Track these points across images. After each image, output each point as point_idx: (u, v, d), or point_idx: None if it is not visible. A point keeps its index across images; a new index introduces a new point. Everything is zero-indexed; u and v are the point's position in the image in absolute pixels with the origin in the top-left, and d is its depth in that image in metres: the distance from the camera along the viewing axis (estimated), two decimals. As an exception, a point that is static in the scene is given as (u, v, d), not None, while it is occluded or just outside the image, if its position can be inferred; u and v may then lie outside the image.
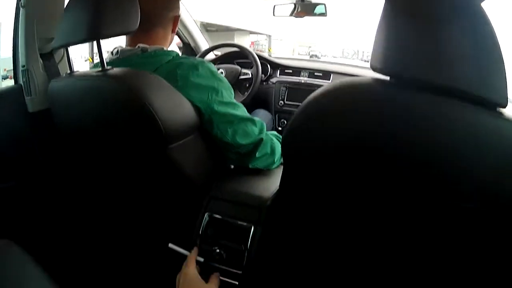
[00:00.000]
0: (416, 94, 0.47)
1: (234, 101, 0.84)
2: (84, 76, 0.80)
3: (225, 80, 0.84)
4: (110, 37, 0.75)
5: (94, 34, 0.73)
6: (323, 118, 0.53)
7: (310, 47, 26.42)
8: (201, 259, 0.77)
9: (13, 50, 1.12)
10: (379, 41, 0.49)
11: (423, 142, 0.48)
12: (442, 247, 0.59)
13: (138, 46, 0.83)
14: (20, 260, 0.82)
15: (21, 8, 1.05)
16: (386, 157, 0.51)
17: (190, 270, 0.68)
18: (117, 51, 0.85)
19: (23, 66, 1.06)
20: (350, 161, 0.54)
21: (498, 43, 0.45)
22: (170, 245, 0.77)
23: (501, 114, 0.46)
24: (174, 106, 0.74)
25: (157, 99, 0.70)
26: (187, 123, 0.77)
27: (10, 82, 1.17)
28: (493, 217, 0.52)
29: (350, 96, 0.51)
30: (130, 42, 0.85)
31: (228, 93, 0.83)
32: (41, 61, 1.07)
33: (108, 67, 0.77)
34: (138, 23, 0.76)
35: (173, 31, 0.91)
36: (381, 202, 0.56)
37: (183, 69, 0.78)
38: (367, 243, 0.71)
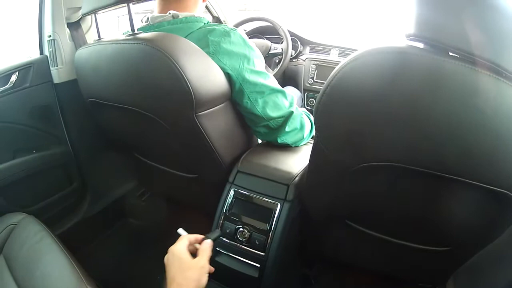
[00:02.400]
0: (451, 61, 0.45)
1: (265, 71, 0.81)
2: (112, 41, 0.78)
3: (257, 49, 0.81)
4: (140, 1, 0.72)
5: None
6: (353, 82, 0.51)
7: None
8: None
9: (38, 20, 1.10)
10: (418, 7, 0.47)
11: (453, 107, 0.47)
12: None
13: (169, 13, 0.80)
14: (38, 234, 0.82)
15: (47, -23, 1.04)
16: (419, 125, 0.49)
17: (178, 247, 0.61)
18: (147, 18, 0.83)
19: (49, 36, 1.05)
20: (382, 127, 0.52)
21: None
22: (179, 230, 0.68)
23: None
24: (205, 71, 0.72)
25: (188, 62, 0.68)
26: (217, 89, 0.75)
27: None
28: None
29: (384, 59, 0.49)
30: (161, 9, 0.83)
31: (259, 62, 0.80)
32: (68, 30, 1.05)
33: (138, 32, 0.75)
34: None
35: None
36: (411, 172, 0.54)
37: (215, 35, 0.75)
38: (397, 221, 0.69)
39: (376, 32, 1.69)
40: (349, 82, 0.52)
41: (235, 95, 0.79)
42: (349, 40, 1.58)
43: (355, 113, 0.53)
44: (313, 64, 1.55)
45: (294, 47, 1.57)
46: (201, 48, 0.72)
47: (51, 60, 1.05)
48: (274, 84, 0.82)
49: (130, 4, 0.73)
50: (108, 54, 0.78)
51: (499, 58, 0.44)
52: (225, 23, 1.69)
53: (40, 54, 1.10)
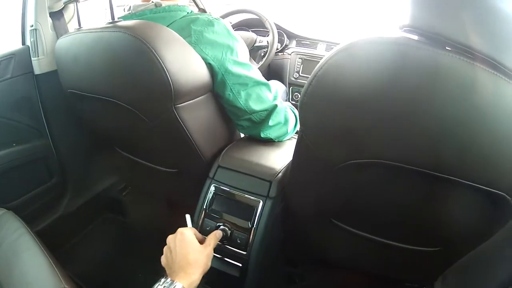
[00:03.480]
0: (448, 54, 0.43)
1: (249, 62, 0.79)
2: (92, 29, 0.76)
3: (241, 39, 0.79)
4: None
5: None
6: (342, 74, 0.49)
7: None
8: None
9: (22, 9, 1.07)
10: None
11: (449, 102, 0.45)
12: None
13: (152, 1, 0.78)
14: (17, 230, 0.80)
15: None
16: (413, 118, 0.47)
17: (188, 230, 0.65)
18: (130, 7, 0.81)
19: (31, 26, 1.02)
20: (372, 122, 0.50)
21: None
22: (187, 216, 0.73)
23: None
24: (186, 61, 0.70)
25: (168, 51, 0.65)
26: (198, 80, 0.73)
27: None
28: None
29: (376, 50, 0.46)
30: None
31: (243, 54, 0.78)
32: (51, 20, 1.02)
33: (118, 20, 0.73)
34: None
35: None
36: (399, 169, 0.52)
37: (198, 24, 0.73)
38: (385, 221, 0.68)
39: (365, 27, 1.66)
40: (337, 74, 0.49)
41: (217, 87, 0.77)
42: (337, 34, 1.56)
43: (343, 107, 0.50)
44: (299, 58, 1.53)
45: (280, 41, 1.56)
46: (184, 38, 0.70)
47: (32, 50, 1.03)
48: (258, 76, 0.80)
49: None
50: (87, 43, 0.76)
51: (498, 53, 0.42)
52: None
53: (22, 45, 1.07)
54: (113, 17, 0.74)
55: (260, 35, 1.48)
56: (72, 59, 0.81)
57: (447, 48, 0.43)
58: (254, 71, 0.79)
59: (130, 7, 0.81)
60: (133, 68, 0.69)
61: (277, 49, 1.52)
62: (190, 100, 0.72)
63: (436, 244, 0.68)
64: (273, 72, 1.60)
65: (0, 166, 1.01)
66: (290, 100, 1.59)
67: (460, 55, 0.42)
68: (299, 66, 1.53)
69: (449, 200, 0.56)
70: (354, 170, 0.56)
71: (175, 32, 0.70)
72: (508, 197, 0.51)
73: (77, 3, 0.88)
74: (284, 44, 1.58)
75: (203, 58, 0.73)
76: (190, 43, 0.71)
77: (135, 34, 0.64)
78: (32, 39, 1.02)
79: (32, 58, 1.03)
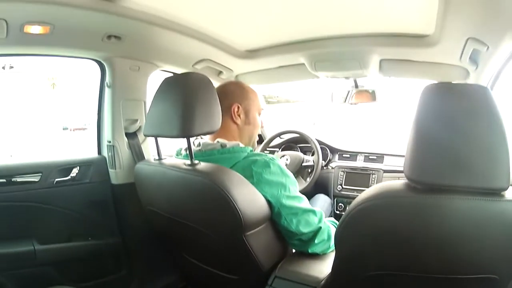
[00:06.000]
0: (436, 196, 0.61)
1: (299, 194, 0.96)
2: (174, 167, 0.93)
3: (291, 175, 0.97)
4: (199, 135, 0.90)
5: (186, 132, 0.86)
6: (365, 217, 0.69)
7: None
8: None
9: (97, 124, 1.28)
10: (408, 152, 0.64)
11: (442, 234, 0.63)
12: None
13: (217, 141, 0.98)
14: None
15: (106, 88, 1.22)
16: (414, 244, 0.67)
17: None
18: (199, 143, 1.00)
19: (109, 142, 1.21)
20: (387, 250, 0.70)
21: (506, 138, 0.59)
22: None
23: (503, 196, 0.60)
24: (252, 200, 0.87)
25: (239, 194, 0.82)
26: (261, 213, 0.90)
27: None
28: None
29: (384, 199, 0.67)
30: (210, 137, 1.01)
31: (294, 188, 0.96)
32: (126, 139, 1.21)
33: (196, 162, 0.89)
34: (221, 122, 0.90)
35: (234, 121, 1.02)
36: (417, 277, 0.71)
37: (258, 166, 0.90)
38: None
39: (396, 136, 1.88)
40: (362, 217, 0.69)
41: (274, 216, 0.93)
42: (372, 145, 1.77)
43: (369, 237, 0.70)
44: (341, 171, 1.71)
45: (324, 155, 1.73)
46: (247, 177, 0.88)
47: (109, 162, 1.22)
48: (306, 205, 0.96)
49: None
50: (171, 178, 0.94)
51: (483, 182, 0.59)
52: (262, 133, 1.89)
53: (98, 154, 1.27)
54: (192, 157, 0.90)
55: (306, 150, 1.68)
56: (155, 186, 0.99)
57: (433, 190, 0.61)
58: (303, 202, 0.95)
59: (200, 143, 0.99)
60: (211, 205, 0.86)
61: (322, 165, 1.68)
62: (255, 229, 0.88)
63: None
64: (319, 185, 1.73)
65: (75, 254, 1.17)
66: (335, 210, 1.74)
67: (442, 193, 0.60)
68: (341, 178, 1.70)
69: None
70: (380, 278, 0.73)
71: (242, 177, 0.87)
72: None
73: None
74: (328, 159, 1.75)
75: (263, 195, 0.89)
76: (252, 183, 0.89)
77: (213, 181, 0.82)
78: (109, 153, 1.21)
79: (110, 169, 1.22)
